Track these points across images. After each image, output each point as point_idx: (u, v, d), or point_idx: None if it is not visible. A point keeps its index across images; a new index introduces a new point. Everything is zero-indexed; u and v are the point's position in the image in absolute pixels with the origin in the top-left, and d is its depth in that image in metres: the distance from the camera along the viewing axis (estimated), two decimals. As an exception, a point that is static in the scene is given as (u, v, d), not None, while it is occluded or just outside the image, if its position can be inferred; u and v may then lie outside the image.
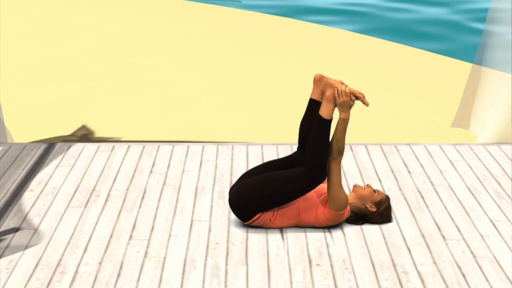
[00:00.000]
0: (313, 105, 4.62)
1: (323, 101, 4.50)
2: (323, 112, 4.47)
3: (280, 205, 4.52)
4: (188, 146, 5.93)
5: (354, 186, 4.71)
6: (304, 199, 4.57)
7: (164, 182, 5.27)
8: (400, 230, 4.61)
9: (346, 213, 4.61)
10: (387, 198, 4.70)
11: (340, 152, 4.49)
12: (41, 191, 5.11)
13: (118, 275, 4.08)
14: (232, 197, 4.57)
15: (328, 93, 4.47)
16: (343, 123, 4.47)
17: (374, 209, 4.64)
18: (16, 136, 7.67)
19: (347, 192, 5.17)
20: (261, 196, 4.48)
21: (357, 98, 4.45)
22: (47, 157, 5.70)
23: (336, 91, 4.46)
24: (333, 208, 4.53)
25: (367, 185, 4.70)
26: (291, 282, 4.02)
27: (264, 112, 8.52)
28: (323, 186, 4.67)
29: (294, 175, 4.49)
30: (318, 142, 4.45)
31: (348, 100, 4.45)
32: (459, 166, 5.60)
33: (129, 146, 5.92)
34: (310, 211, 4.55)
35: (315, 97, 4.62)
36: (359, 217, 4.66)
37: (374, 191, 4.69)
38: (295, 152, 4.68)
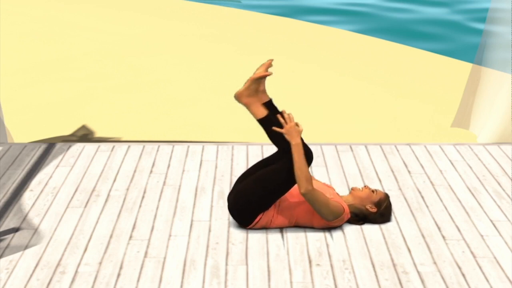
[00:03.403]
0: (266, 123, 4.55)
1: (254, 105, 4.51)
2: (258, 114, 4.51)
3: (278, 198, 4.47)
4: (188, 146, 5.93)
5: (352, 189, 4.68)
6: (303, 203, 4.55)
7: (164, 182, 5.27)
8: (400, 230, 4.61)
9: (346, 216, 4.59)
10: (386, 197, 4.68)
11: (308, 180, 4.39)
12: (41, 191, 5.11)
13: (118, 275, 4.08)
14: (231, 203, 4.55)
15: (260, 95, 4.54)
16: (297, 148, 4.41)
17: (374, 210, 4.63)
18: (16, 136, 7.67)
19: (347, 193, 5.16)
20: (258, 194, 4.46)
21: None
22: (47, 157, 5.70)
23: (285, 123, 4.44)
24: (330, 219, 4.51)
25: (365, 186, 4.68)
26: (291, 282, 4.02)
27: (264, 112, 8.51)
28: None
29: (279, 166, 4.45)
30: (277, 136, 4.49)
31: (293, 126, 4.42)
32: (459, 166, 5.60)
33: (129, 146, 5.92)
34: (307, 217, 4.55)
35: (261, 115, 4.55)
36: (360, 217, 4.65)
37: (373, 191, 4.67)
38: (278, 151, 4.67)
